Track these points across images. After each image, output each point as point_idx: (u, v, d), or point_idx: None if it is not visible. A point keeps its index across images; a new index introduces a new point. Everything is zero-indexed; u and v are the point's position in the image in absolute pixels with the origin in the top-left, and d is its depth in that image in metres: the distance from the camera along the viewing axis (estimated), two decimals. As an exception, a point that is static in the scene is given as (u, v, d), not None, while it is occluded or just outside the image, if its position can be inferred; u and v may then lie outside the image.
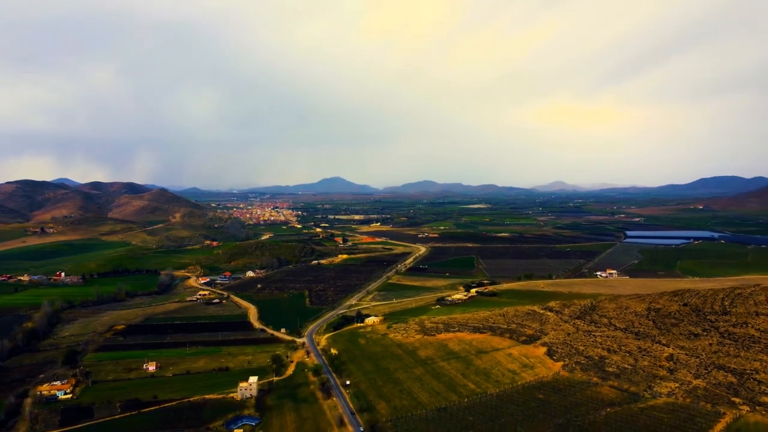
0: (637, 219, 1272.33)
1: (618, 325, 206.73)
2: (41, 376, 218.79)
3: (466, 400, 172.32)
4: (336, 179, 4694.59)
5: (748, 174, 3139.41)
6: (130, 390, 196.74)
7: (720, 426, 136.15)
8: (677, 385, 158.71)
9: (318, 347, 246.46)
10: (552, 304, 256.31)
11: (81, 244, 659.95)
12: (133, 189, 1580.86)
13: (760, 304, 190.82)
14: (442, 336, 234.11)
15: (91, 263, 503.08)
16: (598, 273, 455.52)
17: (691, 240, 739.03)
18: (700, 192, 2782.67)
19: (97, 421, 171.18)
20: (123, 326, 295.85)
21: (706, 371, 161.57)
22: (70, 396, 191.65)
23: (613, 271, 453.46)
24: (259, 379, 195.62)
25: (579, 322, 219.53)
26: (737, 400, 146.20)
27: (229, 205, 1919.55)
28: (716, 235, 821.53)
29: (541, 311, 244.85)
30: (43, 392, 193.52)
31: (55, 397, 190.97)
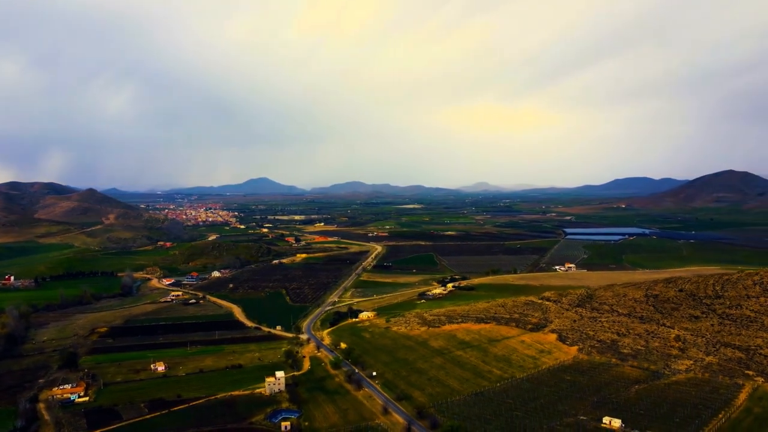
0: (568, 217, 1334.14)
1: (620, 311, 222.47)
2: (41, 380, 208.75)
3: (497, 384, 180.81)
4: (262, 180, 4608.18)
5: (657, 175, 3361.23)
6: (148, 390, 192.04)
7: (743, 395, 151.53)
8: (692, 362, 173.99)
9: (323, 342, 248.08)
10: (548, 294, 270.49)
11: (19, 247, 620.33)
12: (56, 190, 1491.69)
13: (748, 288, 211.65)
14: (447, 327, 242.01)
15: (40, 266, 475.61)
16: (557, 267, 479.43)
17: (626, 236, 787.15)
18: (614, 192, 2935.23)
19: (129, 422, 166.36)
20: (105, 329, 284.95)
21: (715, 349, 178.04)
22: (87, 399, 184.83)
23: (572, 265, 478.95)
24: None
25: (581, 310, 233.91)
26: (750, 372, 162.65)
27: (158, 206, 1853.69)
28: (647, 231, 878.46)
29: (539, 301, 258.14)
30: (56, 396, 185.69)
31: (70, 400, 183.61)
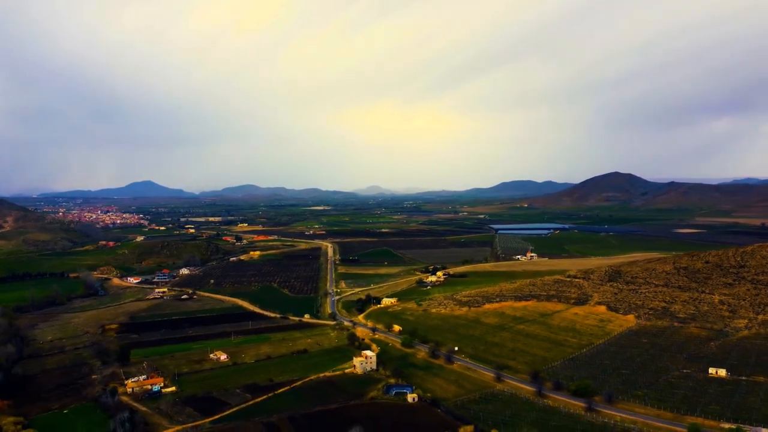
0: (481, 216, 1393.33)
1: (656, 283, 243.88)
2: (94, 376, 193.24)
3: (584, 350, 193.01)
4: (147, 183, 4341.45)
5: (539, 179, 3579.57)
6: (229, 378, 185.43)
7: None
8: (747, 321, 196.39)
9: (368, 326, 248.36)
10: (573, 272, 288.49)
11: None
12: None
13: (766, 258, 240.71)
14: (490, 306, 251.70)
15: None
16: (519, 256, 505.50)
17: (552, 230, 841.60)
18: (504, 194, 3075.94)
19: (240, 407, 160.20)
20: (116, 326, 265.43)
21: (761, 309, 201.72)
22: (173, 389, 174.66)
23: (533, 254, 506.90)
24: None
25: (616, 284, 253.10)
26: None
27: (46, 210, 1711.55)
28: (566, 226, 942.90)
29: (568, 279, 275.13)
30: (135, 389, 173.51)
31: (155, 391, 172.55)
